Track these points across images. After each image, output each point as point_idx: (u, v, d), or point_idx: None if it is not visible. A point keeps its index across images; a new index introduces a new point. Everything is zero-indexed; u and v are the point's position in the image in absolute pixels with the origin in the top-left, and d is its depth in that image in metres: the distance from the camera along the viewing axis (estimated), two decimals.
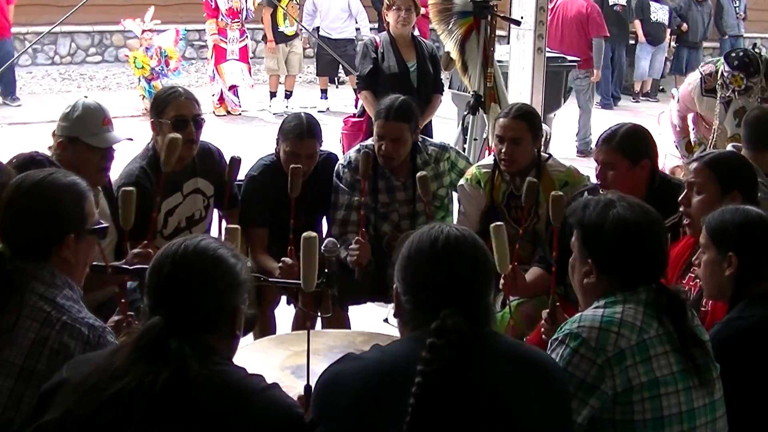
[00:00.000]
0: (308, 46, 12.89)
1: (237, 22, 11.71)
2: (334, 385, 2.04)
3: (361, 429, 1.98)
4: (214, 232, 4.55)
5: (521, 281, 3.81)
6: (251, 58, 12.40)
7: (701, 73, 5.76)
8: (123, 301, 3.09)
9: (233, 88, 11.97)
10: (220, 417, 1.96)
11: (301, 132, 4.34)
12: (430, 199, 4.22)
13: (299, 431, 2.03)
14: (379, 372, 2.03)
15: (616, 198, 2.58)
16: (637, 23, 14.63)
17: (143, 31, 11.45)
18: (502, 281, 3.67)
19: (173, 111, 4.08)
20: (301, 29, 12.04)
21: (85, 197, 2.58)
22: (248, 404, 2.00)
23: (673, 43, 15.69)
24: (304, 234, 2.85)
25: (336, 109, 12.27)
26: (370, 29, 12.91)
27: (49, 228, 2.49)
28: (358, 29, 12.66)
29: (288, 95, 12.49)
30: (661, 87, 15.54)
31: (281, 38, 12.14)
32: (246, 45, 11.95)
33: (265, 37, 12.32)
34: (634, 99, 15.16)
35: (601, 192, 3.68)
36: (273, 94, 12.41)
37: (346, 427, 1.99)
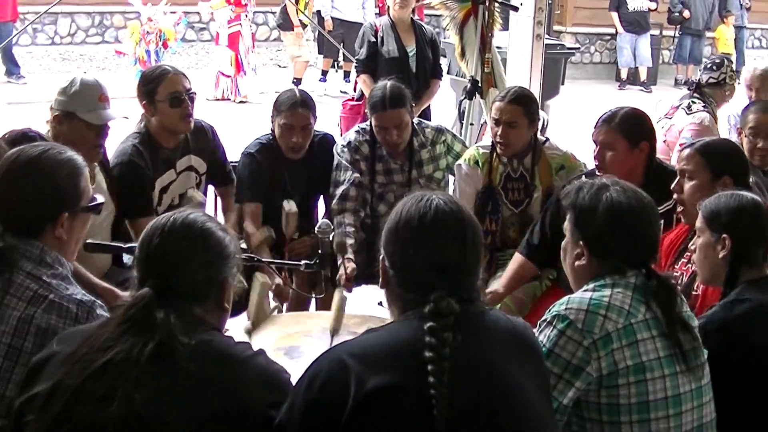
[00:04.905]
0: (331, 29, 12.63)
1: (227, 7, 11.73)
2: (341, 372, 1.97)
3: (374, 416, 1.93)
4: (209, 209, 4.59)
5: (495, 298, 3.90)
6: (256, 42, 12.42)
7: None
8: None
9: (223, 75, 11.99)
10: (208, 385, 1.98)
11: (294, 102, 4.35)
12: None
13: (286, 396, 2.02)
14: (387, 359, 1.98)
15: (610, 182, 2.59)
16: (614, 14, 14.77)
17: (149, 18, 11.47)
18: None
19: (166, 89, 4.09)
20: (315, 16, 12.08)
21: (80, 173, 2.54)
22: (235, 372, 2.02)
23: (676, 32, 15.75)
24: (338, 293, 3.14)
25: (333, 93, 12.30)
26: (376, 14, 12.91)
27: (44, 206, 2.46)
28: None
29: (296, 83, 12.42)
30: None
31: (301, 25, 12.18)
32: (238, 31, 11.85)
33: (284, 24, 12.35)
34: (619, 87, 15.23)
35: (598, 175, 3.69)
36: (298, 81, 12.24)
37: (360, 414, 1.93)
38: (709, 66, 5.85)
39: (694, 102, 5.65)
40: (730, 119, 6.09)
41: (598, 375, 2.35)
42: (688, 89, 5.85)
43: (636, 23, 14.82)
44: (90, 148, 3.67)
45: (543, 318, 2.46)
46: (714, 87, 5.69)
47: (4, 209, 2.48)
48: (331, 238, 3.89)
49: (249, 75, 12.05)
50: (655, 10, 15.15)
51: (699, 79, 5.81)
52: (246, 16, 11.89)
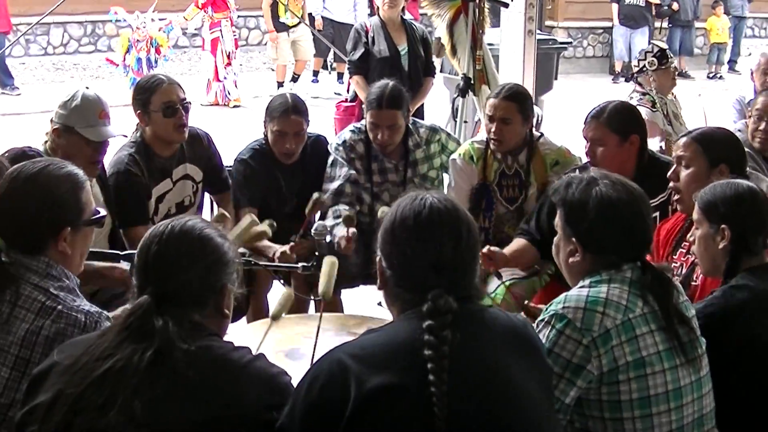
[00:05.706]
0: (321, 28, 12.58)
1: (207, 13, 11.73)
2: (341, 373, 1.97)
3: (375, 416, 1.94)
4: (206, 216, 4.58)
5: (501, 258, 3.80)
6: (243, 46, 12.38)
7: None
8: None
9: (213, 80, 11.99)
10: (207, 391, 1.98)
11: (286, 109, 4.35)
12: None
13: (287, 398, 2.03)
14: (387, 359, 1.99)
15: (599, 176, 2.57)
16: (613, 6, 14.81)
17: (137, 27, 11.46)
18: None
19: (160, 99, 4.08)
20: (307, 17, 12.05)
21: (81, 188, 2.55)
22: (234, 376, 2.02)
23: (664, 24, 15.79)
24: (327, 258, 3.00)
25: (326, 95, 12.29)
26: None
27: (45, 222, 2.47)
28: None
29: (295, 78, 12.46)
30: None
31: (282, 27, 12.16)
32: (217, 37, 11.81)
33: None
34: (613, 80, 15.25)
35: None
36: (280, 84, 12.29)
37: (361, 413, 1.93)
38: (637, 55, 5.97)
39: (631, 97, 5.78)
40: (735, 104, 6.12)
41: (599, 372, 2.34)
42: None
43: (630, 17, 14.85)
44: (87, 163, 3.64)
45: (540, 318, 2.45)
46: (641, 74, 5.79)
47: (7, 226, 2.48)
48: (327, 240, 3.88)
49: (230, 79, 12.02)
50: (658, 4, 15.16)
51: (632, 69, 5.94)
52: (227, 21, 11.85)
